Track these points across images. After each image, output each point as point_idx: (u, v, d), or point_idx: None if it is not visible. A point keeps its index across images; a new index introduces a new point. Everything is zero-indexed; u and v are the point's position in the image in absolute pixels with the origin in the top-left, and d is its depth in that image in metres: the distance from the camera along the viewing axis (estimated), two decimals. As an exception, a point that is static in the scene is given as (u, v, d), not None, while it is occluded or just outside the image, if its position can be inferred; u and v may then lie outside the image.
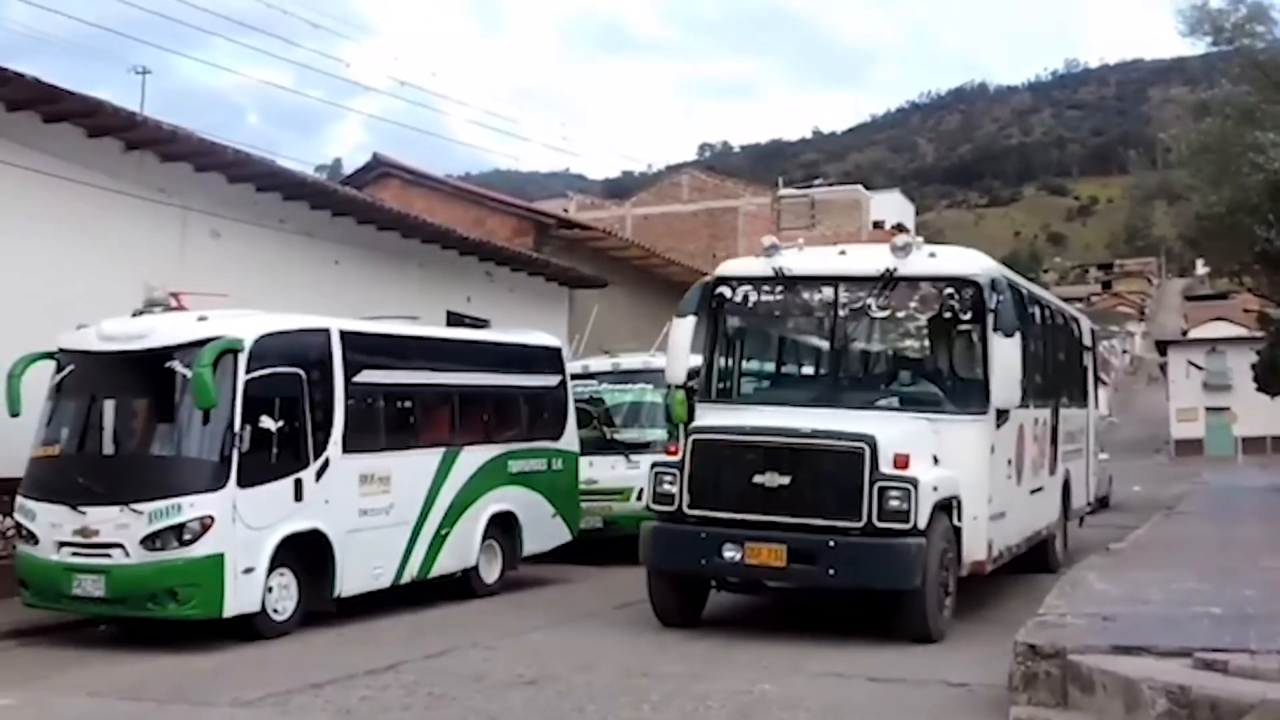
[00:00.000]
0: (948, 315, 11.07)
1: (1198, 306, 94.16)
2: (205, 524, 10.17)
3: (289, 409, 10.99)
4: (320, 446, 11.25)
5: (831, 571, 9.97)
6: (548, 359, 15.20)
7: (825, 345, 11.69)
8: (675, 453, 10.85)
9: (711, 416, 11.28)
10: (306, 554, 11.09)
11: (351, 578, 11.55)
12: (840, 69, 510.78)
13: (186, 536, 10.13)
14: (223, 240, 15.59)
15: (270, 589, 10.69)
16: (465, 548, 13.20)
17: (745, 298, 11.67)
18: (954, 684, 8.58)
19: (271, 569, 10.66)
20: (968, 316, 10.98)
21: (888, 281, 11.08)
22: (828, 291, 11.33)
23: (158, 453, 11.03)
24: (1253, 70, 24.06)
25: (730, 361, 12.04)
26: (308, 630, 11.01)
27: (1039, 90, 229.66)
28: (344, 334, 11.78)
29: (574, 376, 16.18)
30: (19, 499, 10.87)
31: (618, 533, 15.22)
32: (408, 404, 12.95)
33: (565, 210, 37.09)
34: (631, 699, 8.22)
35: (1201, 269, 60.22)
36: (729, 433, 10.71)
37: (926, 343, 11.86)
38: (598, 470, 16.31)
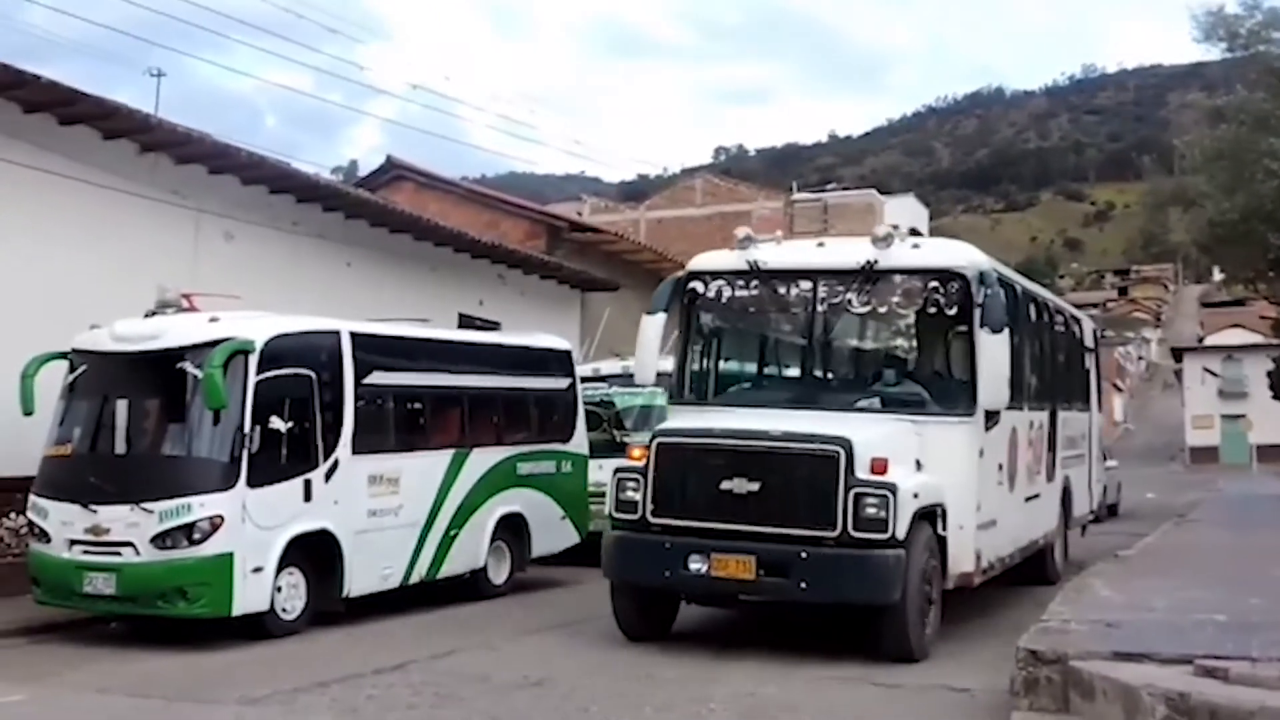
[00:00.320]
0: (932, 310, 10.42)
1: (1214, 313, 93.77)
2: (215, 523, 10.25)
3: (299, 410, 11.07)
4: (330, 447, 11.32)
5: (803, 585, 9.33)
6: (558, 361, 15.26)
7: (803, 343, 10.99)
8: (639, 457, 10.14)
9: (680, 419, 10.72)
10: (315, 554, 11.16)
11: (360, 578, 11.62)
12: (856, 73, 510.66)
13: (196, 536, 10.21)
14: (236, 242, 15.70)
15: (279, 588, 10.77)
16: (474, 549, 13.26)
17: (718, 293, 11.04)
18: (956, 689, 8.59)
19: (280, 569, 10.73)
20: (953, 311, 10.34)
21: (868, 274, 10.44)
22: (805, 286, 10.69)
23: (169, 452, 11.11)
24: (1268, 76, 23.97)
25: (703, 361, 11.41)
26: (316, 630, 11.08)
27: (1056, 95, 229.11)
28: (354, 336, 11.85)
29: (584, 379, 16.22)
30: (32, 497, 10.97)
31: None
32: (417, 406, 13.01)
33: (579, 213, 37.20)
34: (635, 701, 8.27)
35: (1218, 275, 59.97)
36: (694, 436, 10.10)
37: (910, 340, 11.37)
38: (607, 473, 16.23)
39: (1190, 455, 69.30)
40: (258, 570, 10.51)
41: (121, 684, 9.02)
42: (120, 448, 11.33)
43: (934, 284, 10.32)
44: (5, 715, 8.17)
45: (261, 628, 10.63)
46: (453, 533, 12.91)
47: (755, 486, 9.54)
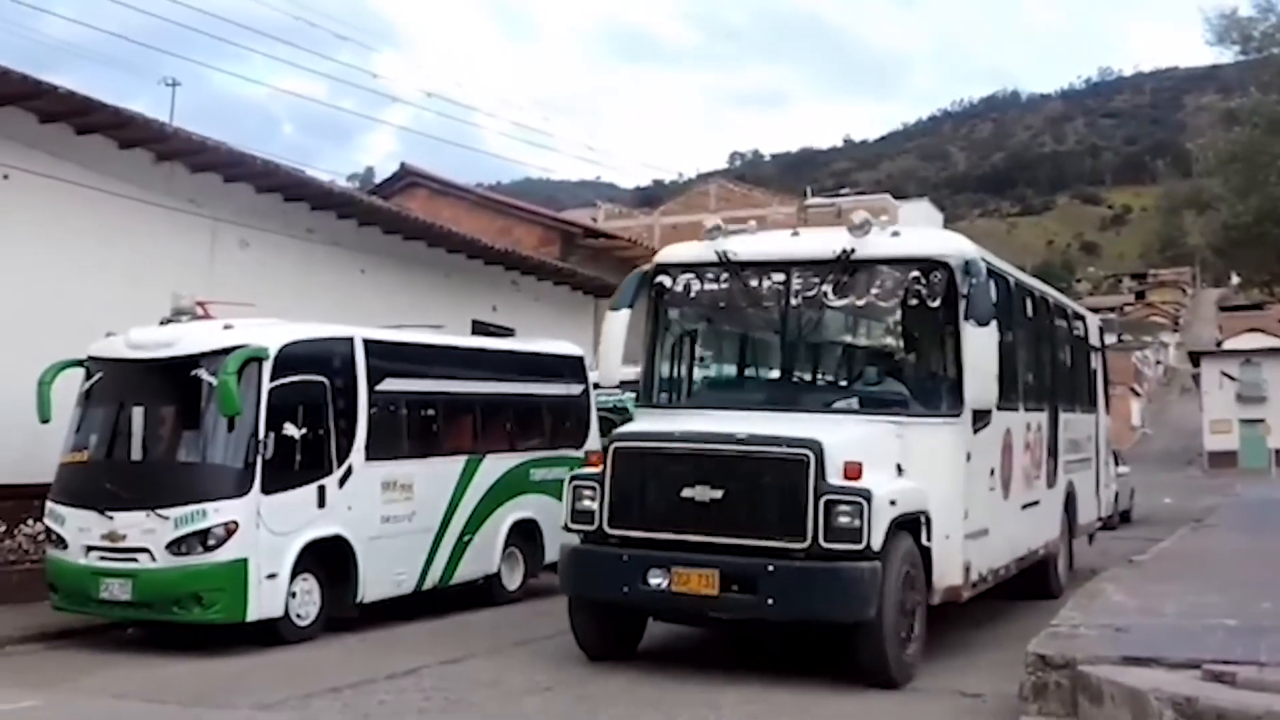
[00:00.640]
0: (914, 303, 9.69)
1: (1232, 317, 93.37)
2: (230, 529, 10.32)
3: (313, 416, 11.15)
4: (343, 454, 11.39)
5: (770, 601, 8.60)
6: (571, 367, 15.30)
7: (777, 339, 10.29)
8: (596, 463, 9.54)
9: (645, 422, 10.16)
10: (329, 560, 11.22)
11: (374, 584, 11.67)
12: (872, 77, 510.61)
13: (211, 542, 10.29)
14: (251, 250, 15.79)
15: (293, 594, 10.83)
16: (487, 555, 13.31)
17: (687, 287, 10.43)
18: (968, 694, 8.63)
19: (294, 575, 10.80)
20: (937, 304, 9.61)
21: (845, 265, 9.76)
22: (778, 278, 10.00)
23: (184, 459, 11.19)
24: (1280, 79, 23.93)
25: (673, 361, 10.75)
26: (330, 635, 11.13)
27: (1072, 98, 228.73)
28: (367, 342, 11.92)
29: (597, 385, 16.24)
30: (49, 504, 11.05)
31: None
32: (430, 412, 13.07)
33: (594, 219, 37.29)
34: (647, 706, 8.32)
35: (1236, 279, 59.83)
36: (653, 439, 9.44)
37: (892, 335, 10.57)
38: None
39: (1209, 460, 68.97)
40: (272, 576, 10.58)
41: (137, 689, 9.10)
42: (136, 454, 11.39)
43: (915, 274, 9.65)
44: (22, 720, 8.25)
45: (276, 633, 10.69)
46: (466, 539, 12.96)
47: (719, 494, 8.87)
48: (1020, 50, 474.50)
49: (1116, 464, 26.13)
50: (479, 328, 19.89)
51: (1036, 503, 12.29)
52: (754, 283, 10.13)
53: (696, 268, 10.43)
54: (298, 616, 10.91)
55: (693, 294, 10.46)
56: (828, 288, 9.84)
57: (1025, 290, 12.23)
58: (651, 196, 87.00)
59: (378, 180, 32.92)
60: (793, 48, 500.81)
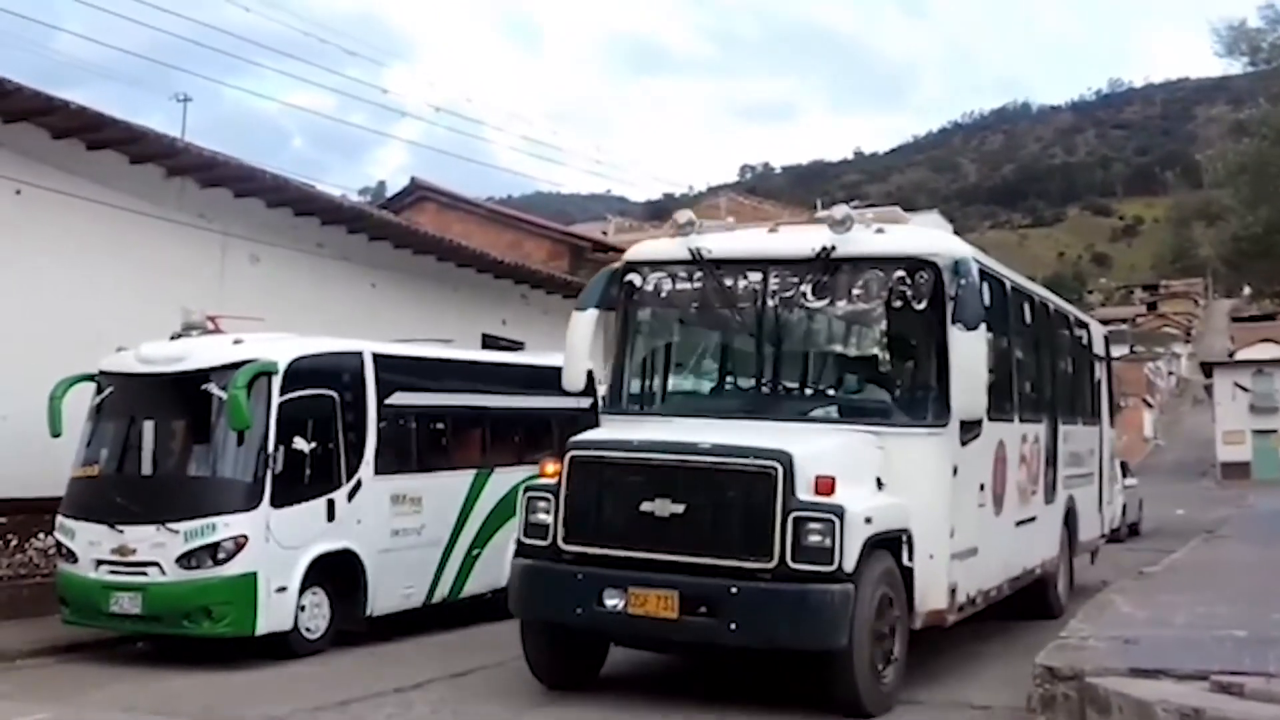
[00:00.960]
0: (899, 304, 9.03)
1: (1244, 328, 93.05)
2: (239, 543, 10.35)
3: (322, 430, 11.18)
4: (353, 467, 11.42)
5: (733, 625, 7.92)
6: (580, 381, 15.28)
7: (753, 343, 9.56)
8: (552, 474, 8.78)
9: (606, 430, 9.45)
10: (338, 574, 11.24)
11: (383, 597, 11.69)
12: (882, 89, 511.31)
13: (220, 555, 10.32)
14: (261, 264, 15.86)
15: (302, 608, 10.85)
16: (496, 568, 13.22)
17: (658, 287, 9.77)
18: (976, 706, 8.61)
19: (304, 588, 10.83)
20: (923, 305, 8.96)
21: (825, 263, 9.12)
22: (754, 277, 9.34)
23: (194, 473, 11.24)
24: (1289, 90, 23.95)
25: (642, 365, 10.10)
26: (339, 649, 11.15)
27: (1082, 110, 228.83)
28: (377, 356, 11.96)
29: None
30: (59, 518, 11.09)
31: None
32: (440, 426, 13.09)
33: (604, 232, 37.29)
34: (656, 712, 8.33)
35: (1248, 290, 59.79)
36: (611, 448, 8.75)
37: (874, 339, 9.70)
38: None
39: (1222, 471, 68.69)
40: (281, 590, 10.61)
41: (146, 703, 9.13)
42: (146, 468, 11.45)
43: (900, 274, 9.02)
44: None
45: (285, 647, 10.71)
46: (475, 552, 12.97)
47: (680, 509, 8.18)
48: (1031, 62, 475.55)
49: (1125, 475, 26.10)
50: (489, 341, 19.93)
51: (1033, 519, 11.64)
52: (729, 282, 9.47)
53: (668, 265, 9.77)
54: (307, 630, 10.93)
55: (664, 294, 9.81)
56: (807, 288, 9.20)
57: (1023, 294, 11.70)
58: (662, 210, 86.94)
59: (389, 194, 33.06)
60: (803, 60, 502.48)
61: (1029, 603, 12.08)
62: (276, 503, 10.58)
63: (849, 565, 7.91)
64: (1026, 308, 11.72)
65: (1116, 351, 18.78)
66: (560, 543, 8.54)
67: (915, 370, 9.37)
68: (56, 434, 11.25)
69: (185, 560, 10.32)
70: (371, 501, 11.56)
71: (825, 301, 9.24)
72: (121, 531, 10.52)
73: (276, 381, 10.76)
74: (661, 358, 10.21)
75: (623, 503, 8.44)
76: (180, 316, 11.99)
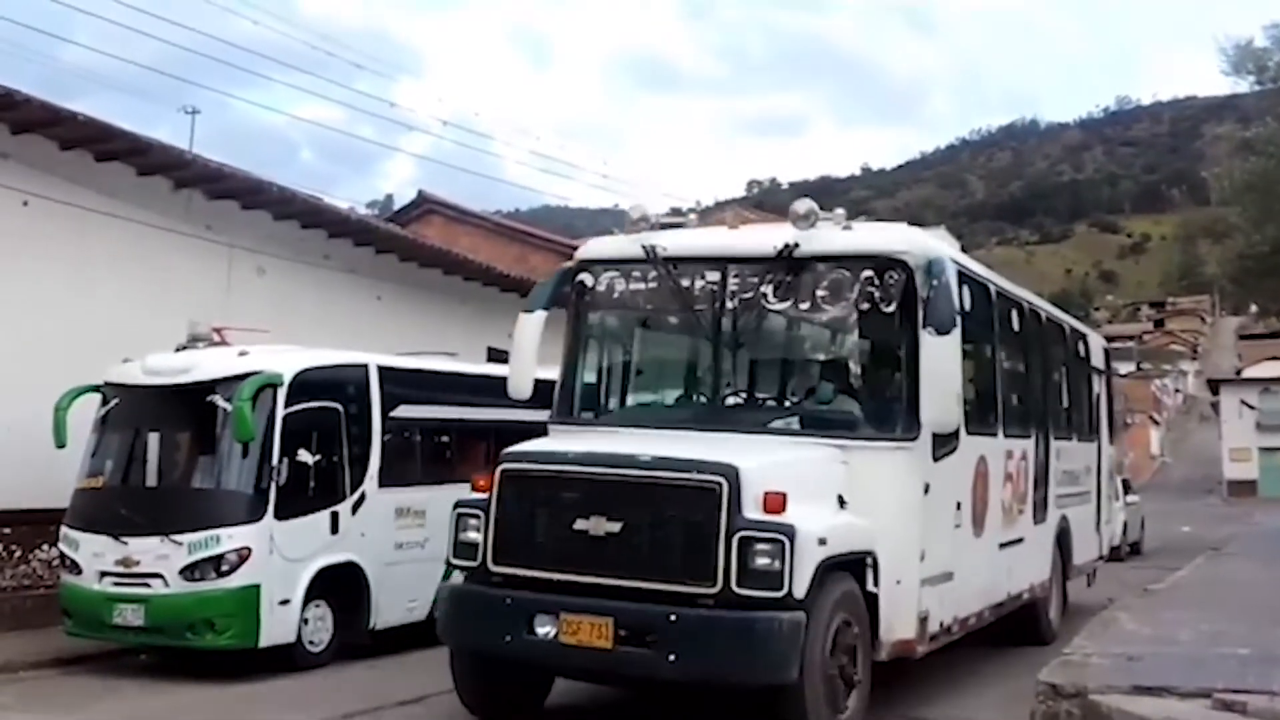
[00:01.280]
0: (866, 306, 8.36)
1: (1251, 345, 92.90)
2: (242, 555, 10.34)
3: (326, 443, 11.19)
4: (357, 480, 11.42)
5: (672, 657, 7.15)
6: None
7: (710, 348, 8.86)
8: (483, 488, 8.04)
9: (546, 441, 8.81)
10: (342, 586, 11.23)
11: (386, 610, 11.68)
12: (890, 105, 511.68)
13: (224, 567, 10.31)
14: (268, 276, 15.88)
15: (306, 620, 10.85)
16: (500, 582, 13.27)
17: (610, 286, 9.14)
18: (980, 723, 8.60)
19: (307, 601, 10.82)
20: (892, 308, 8.29)
21: (788, 262, 8.48)
22: (712, 277, 8.66)
23: (198, 485, 11.25)
24: (1296, 110, 23.97)
25: (593, 371, 9.55)
26: (342, 662, 11.13)
27: (1090, 127, 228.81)
28: (382, 369, 11.97)
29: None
30: (63, 529, 11.09)
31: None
32: (444, 439, 13.09)
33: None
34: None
35: (1255, 308, 59.70)
36: (544, 461, 8.06)
37: (840, 345, 8.97)
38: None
39: (1228, 488, 68.50)
40: (284, 602, 10.60)
41: (149, 715, 9.16)
42: (151, 480, 11.46)
43: (868, 273, 8.34)
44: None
45: (288, 660, 10.69)
46: (479, 565, 12.93)
47: (616, 527, 7.46)
48: (1039, 79, 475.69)
49: (1127, 492, 25.96)
50: (494, 355, 19.90)
51: (1020, 540, 10.92)
52: (685, 282, 8.79)
53: (621, 264, 9.12)
54: (310, 643, 10.92)
55: (617, 294, 9.17)
56: (768, 288, 8.53)
57: (1010, 301, 11.03)
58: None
59: (396, 207, 33.14)
60: (811, 76, 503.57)
61: (1018, 629, 11.54)
62: (280, 515, 10.57)
63: (800, 591, 7.18)
64: (1014, 315, 11.10)
65: (1123, 368, 18.60)
66: (489, 564, 7.84)
67: (884, 379, 8.67)
68: (61, 445, 11.25)
69: (189, 572, 10.30)
70: (375, 514, 11.55)
71: (788, 303, 8.59)
72: (125, 543, 10.51)
73: (281, 394, 10.76)
74: (614, 364, 9.66)
75: (556, 520, 7.73)
76: (186, 328, 12.03)
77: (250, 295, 15.19)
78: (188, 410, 11.04)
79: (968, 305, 9.04)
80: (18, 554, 12.80)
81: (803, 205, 8.63)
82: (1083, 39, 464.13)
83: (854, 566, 7.79)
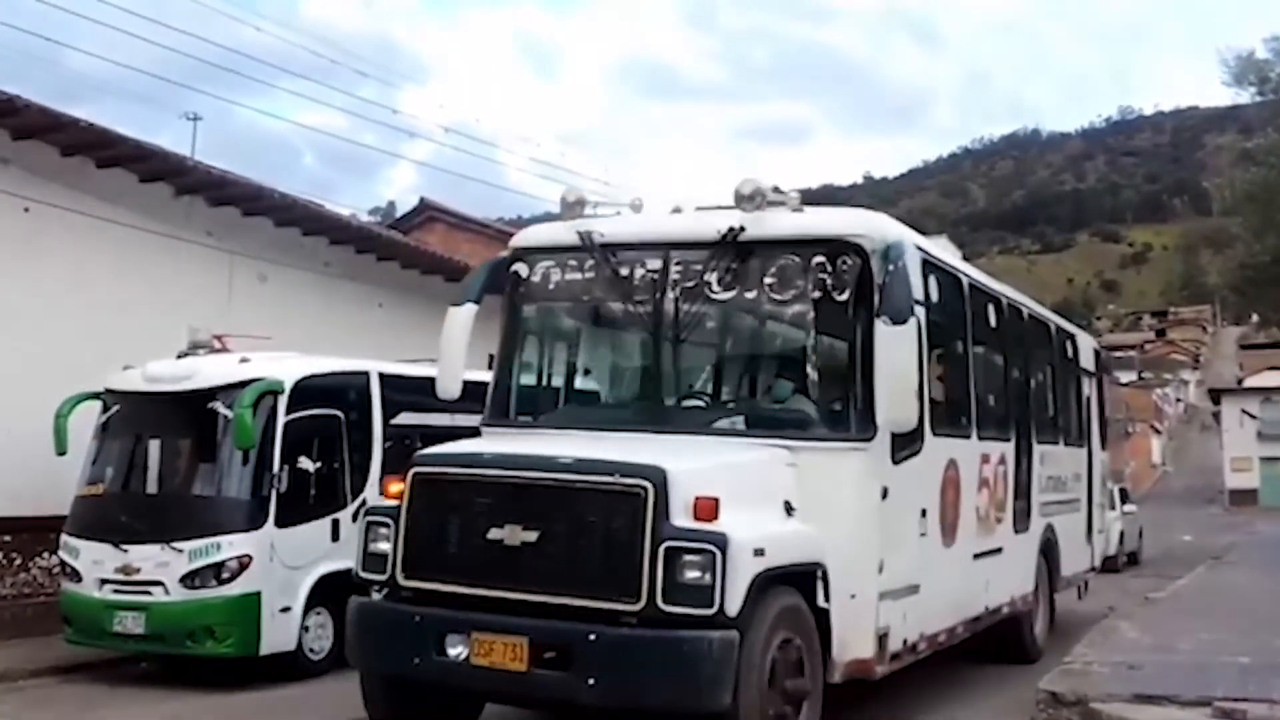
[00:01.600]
0: (818, 295, 7.67)
1: (1253, 355, 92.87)
2: (243, 563, 10.33)
3: (327, 450, 11.20)
4: (358, 487, 11.39)
5: (591, 681, 6.48)
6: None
7: (651, 341, 8.15)
8: (394, 495, 7.41)
9: (467, 443, 8.16)
10: (343, 594, 11.16)
11: (387, 618, 11.64)
12: (892, 114, 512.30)
13: (224, 575, 10.30)
14: (269, 283, 15.87)
15: (307, 628, 10.82)
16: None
17: (546, 277, 8.48)
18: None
19: (308, 609, 10.79)
20: (845, 296, 7.60)
21: (733, 247, 7.78)
22: (653, 265, 7.97)
23: (198, 492, 11.24)
24: (1297, 120, 24.02)
25: (529, 368, 8.93)
26: (343, 670, 11.06)
27: (1092, 137, 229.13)
28: (383, 376, 11.97)
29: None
30: (64, 537, 11.07)
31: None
32: (445, 446, 13.06)
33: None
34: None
35: (1256, 317, 59.84)
36: (457, 464, 7.37)
37: (789, 337, 8.26)
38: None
39: (1229, 498, 68.42)
40: (285, 610, 10.59)
41: (148, 723, 9.11)
42: (151, 487, 11.44)
43: (820, 259, 7.64)
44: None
45: (289, 668, 10.68)
46: (479, 573, 12.92)
47: (532, 536, 6.80)
48: (1041, 89, 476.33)
49: (1124, 501, 25.77)
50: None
51: (998, 550, 10.17)
52: (624, 271, 8.09)
53: (556, 253, 8.45)
54: (311, 651, 10.90)
55: (553, 285, 8.49)
56: (712, 276, 7.83)
57: (986, 295, 10.35)
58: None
59: (398, 214, 33.17)
60: (814, 84, 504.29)
61: (999, 646, 10.92)
62: (281, 522, 10.57)
63: (733, 607, 6.43)
64: (991, 310, 10.41)
65: (1125, 377, 18.50)
66: (398, 577, 7.19)
67: (836, 374, 7.88)
68: (62, 452, 11.25)
69: (189, 580, 10.29)
70: (376, 522, 11.52)
71: (733, 293, 7.85)
72: (126, 550, 10.49)
73: (283, 401, 10.76)
74: (551, 360, 9.04)
75: (469, 529, 7.05)
76: (187, 335, 12.02)
77: (251, 302, 15.19)
78: (188, 417, 11.03)
79: (935, 296, 8.59)
80: (18, 562, 12.79)
81: (747, 186, 7.86)
82: (1085, 49, 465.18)
83: (800, 580, 7.09)
